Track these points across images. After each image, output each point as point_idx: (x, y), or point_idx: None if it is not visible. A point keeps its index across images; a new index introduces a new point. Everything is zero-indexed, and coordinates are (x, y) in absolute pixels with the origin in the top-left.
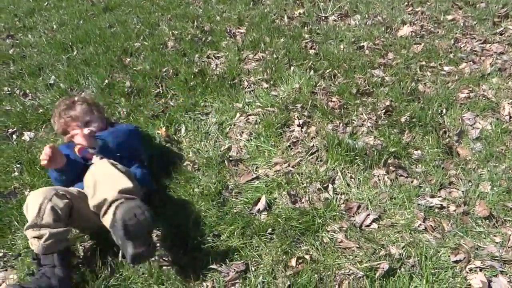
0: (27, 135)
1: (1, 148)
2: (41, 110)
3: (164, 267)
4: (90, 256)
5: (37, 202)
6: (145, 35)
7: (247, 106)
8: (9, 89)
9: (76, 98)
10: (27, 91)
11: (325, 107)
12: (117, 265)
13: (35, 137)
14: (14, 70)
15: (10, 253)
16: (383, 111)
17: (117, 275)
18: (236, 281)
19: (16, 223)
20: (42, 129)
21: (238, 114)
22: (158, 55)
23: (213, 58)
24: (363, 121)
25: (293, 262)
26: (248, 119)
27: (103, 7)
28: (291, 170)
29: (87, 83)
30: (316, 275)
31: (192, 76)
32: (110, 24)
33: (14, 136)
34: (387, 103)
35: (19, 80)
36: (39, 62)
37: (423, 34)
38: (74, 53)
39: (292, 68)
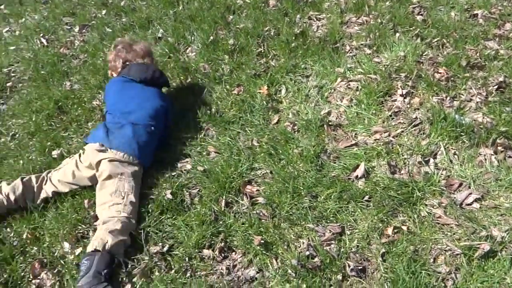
0: None
1: None
2: None
3: (263, 220)
4: (196, 203)
5: None
6: None
7: (348, 72)
8: None
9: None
10: None
11: (431, 78)
12: (220, 212)
13: None
14: (126, 22)
15: None
16: (495, 87)
17: (221, 222)
18: (332, 242)
19: None
20: None
21: (339, 79)
22: (260, 14)
23: (315, 20)
24: (472, 96)
25: (389, 231)
26: (349, 85)
27: None
28: (391, 140)
29: (192, 38)
30: (411, 247)
31: (293, 37)
32: None
33: None
34: (501, 78)
35: (131, 32)
36: (148, 15)
37: None
38: (180, 7)
39: (397, 34)
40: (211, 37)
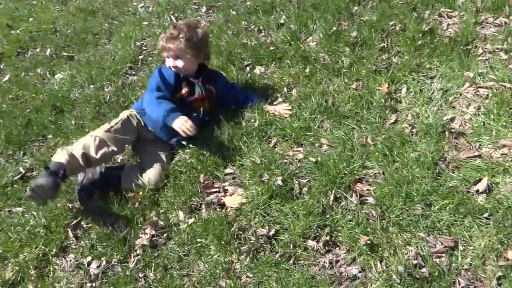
0: (258, 69)
1: (238, 79)
2: (272, 48)
3: (371, 220)
4: (305, 193)
5: None
6: None
7: (478, 77)
8: (246, 23)
9: (182, 33)
10: (261, 27)
11: None
12: (327, 205)
13: (264, 72)
14: (250, 5)
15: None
16: None
17: (328, 216)
18: (442, 255)
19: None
20: (271, 66)
21: (467, 84)
22: (386, 7)
23: (446, 17)
24: None
25: (509, 254)
26: (478, 91)
27: None
28: None
29: (314, 27)
30: None
31: (420, 34)
32: None
33: (248, 69)
34: None
35: (254, 16)
36: (272, 0)
37: None
38: None
39: None
40: (334, 28)
